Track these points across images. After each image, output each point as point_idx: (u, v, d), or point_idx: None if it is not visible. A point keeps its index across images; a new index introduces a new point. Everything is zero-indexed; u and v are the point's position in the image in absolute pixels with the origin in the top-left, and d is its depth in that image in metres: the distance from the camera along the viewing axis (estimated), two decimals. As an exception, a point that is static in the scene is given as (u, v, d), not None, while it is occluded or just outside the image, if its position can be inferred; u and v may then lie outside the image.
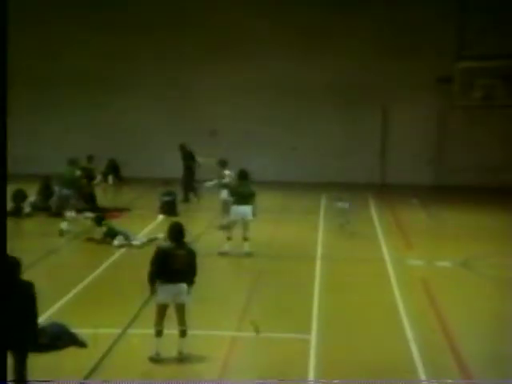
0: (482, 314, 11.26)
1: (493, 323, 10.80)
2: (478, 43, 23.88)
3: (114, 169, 24.85)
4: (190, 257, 8.98)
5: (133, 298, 11.24)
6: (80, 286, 12.11)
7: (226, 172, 17.27)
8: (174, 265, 8.84)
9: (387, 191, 23.53)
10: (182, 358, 8.90)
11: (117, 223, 16.19)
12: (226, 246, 14.44)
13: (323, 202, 21.18)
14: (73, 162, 17.86)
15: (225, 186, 16.56)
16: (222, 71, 25.07)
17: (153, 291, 8.96)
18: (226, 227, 14.80)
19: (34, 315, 7.41)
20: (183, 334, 8.97)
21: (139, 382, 7.62)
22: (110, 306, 11.08)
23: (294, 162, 25.21)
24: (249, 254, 14.35)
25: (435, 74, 24.40)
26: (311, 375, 8.55)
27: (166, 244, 9.13)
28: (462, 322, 10.70)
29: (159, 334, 8.91)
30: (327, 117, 25.19)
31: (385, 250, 15.20)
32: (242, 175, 14.77)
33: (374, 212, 19.93)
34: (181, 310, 8.95)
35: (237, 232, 14.54)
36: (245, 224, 14.43)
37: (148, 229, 17.14)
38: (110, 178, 24.49)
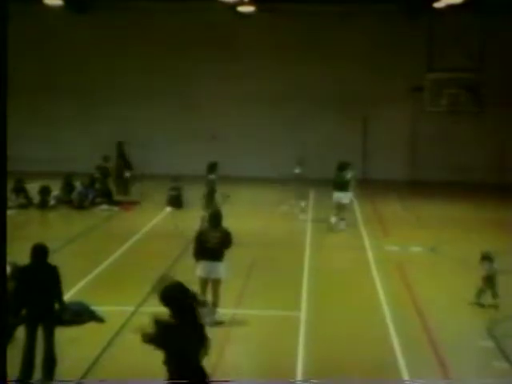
0: (449, 291, 11.36)
1: (457, 299, 10.89)
2: (445, 57, 24.03)
3: (127, 166, 24.65)
4: (224, 238, 9.13)
5: (145, 280, 11.27)
6: (98, 269, 12.13)
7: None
8: (207, 244, 9.06)
9: (368, 186, 23.51)
10: (217, 324, 9.01)
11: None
12: (333, 219, 15.67)
13: (311, 195, 21.18)
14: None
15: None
16: (222, 81, 25.05)
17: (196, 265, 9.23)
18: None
19: (59, 294, 7.44)
20: (214, 305, 9.13)
21: (139, 381, 7.49)
22: (124, 287, 11.09)
23: (288, 162, 25.16)
24: (343, 230, 15.48)
25: (409, 84, 24.54)
26: (301, 347, 8.59)
27: (204, 227, 9.41)
28: (430, 298, 10.78)
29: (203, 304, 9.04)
30: (317, 121, 25.23)
31: (365, 237, 15.24)
32: (339, 167, 15.88)
33: (356, 204, 19.94)
34: (215, 284, 9.11)
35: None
36: (340, 207, 15.55)
37: (157, 219, 17.14)
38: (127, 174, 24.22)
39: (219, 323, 9.06)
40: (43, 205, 18.22)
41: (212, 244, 9.09)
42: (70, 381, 7.35)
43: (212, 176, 16.15)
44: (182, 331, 5.23)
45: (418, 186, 23.61)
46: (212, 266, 9.06)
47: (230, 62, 24.90)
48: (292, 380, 7.63)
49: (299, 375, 7.76)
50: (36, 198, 18.43)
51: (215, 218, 9.32)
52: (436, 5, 20.43)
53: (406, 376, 7.72)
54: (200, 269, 9.13)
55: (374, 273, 12.27)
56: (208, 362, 7.98)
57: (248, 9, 22.20)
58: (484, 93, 24.26)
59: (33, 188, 18.69)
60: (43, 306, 7.31)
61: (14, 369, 6.91)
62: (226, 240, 9.17)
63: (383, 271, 12.32)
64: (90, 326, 9.09)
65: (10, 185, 17.88)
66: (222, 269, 9.12)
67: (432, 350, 8.56)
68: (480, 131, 24.67)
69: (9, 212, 17.49)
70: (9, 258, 7.59)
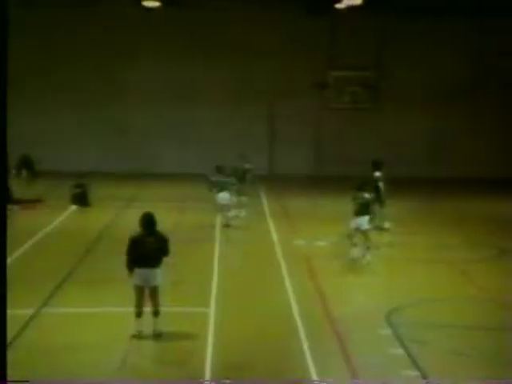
0: (351, 281, 11.76)
1: (358, 289, 11.26)
2: (346, 56, 24.82)
3: (26, 164, 23.75)
4: (161, 243, 8.71)
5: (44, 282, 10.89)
6: None
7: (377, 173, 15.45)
8: (144, 251, 8.60)
9: (274, 181, 23.78)
10: (157, 335, 8.61)
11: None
12: (355, 252, 12.63)
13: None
14: None
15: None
16: (131, 73, 24.71)
17: (130, 275, 8.70)
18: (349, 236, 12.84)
19: None
20: (155, 313, 8.71)
21: (140, 382, 7.36)
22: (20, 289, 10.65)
23: (196, 155, 25.14)
24: (368, 263, 12.47)
25: (313, 80, 25.14)
26: (209, 343, 8.56)
27: (137, 232, 8.78)
28: (333, 287, 11.15)
29: (139, 315, 8.65)
30: (225, 118, 25.36)
31: (274, 232, 15.41)
32: (359, 186, 12.90)
33: (264, 200, 20.15)
34: (152, 292, 8.69)
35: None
36: (362, 234, 12.69)
37: (61, 218, 16.58)
38: (24, 173, 23.35)
39: (159, 335, 8.65)
40: None
41: (149, 250, 8.61)
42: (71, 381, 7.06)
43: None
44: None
45: (322, 181, 24.17)
46: (149, 274, 8.61)
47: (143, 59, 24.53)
48: (290, 379, 7.56)
49: (207, 370, 7.72)
50: None
51: (149, 223, 8.76)
52: (338, 5, 21.02)
53: (311, 367, 7.86)
54: (137, 276, 8.64)
55: (282, 266, 12.44)
56: (113, 365, 7.84)
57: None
58: (382, 90, 25.33)
59: None
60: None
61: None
62: (163, 246, 8.73)
63: (290, 264, 12.52)
64: None
65: None
66: (159, 276, 8.72)
67: (336, 341, 8.77)
68: (377, 127, 25.62)
69: None
70: None
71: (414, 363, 8.04)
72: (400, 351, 8.40)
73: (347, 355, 8.31)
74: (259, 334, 9.01)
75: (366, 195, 12.84)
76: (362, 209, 12.67)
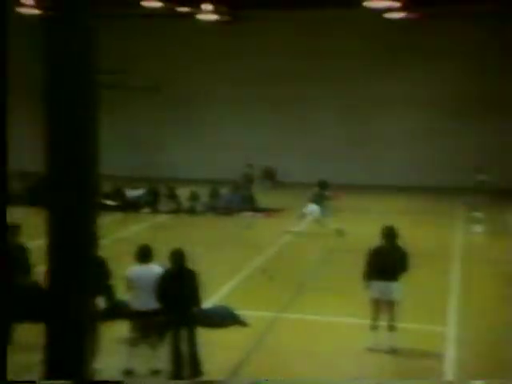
0: None
1: None
2: None
3: (269, 175, 25.08)
4: (401, 257, 8.55)
5: (286, 287, 11.22)
6: (241, 275, 12.28)
7: None
8: (384, 264, 8.49)
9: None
10: (392, 350, 8.41)
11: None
12: None
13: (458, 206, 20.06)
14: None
15: None
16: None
17: (366, 287, 8.64)
18: None
19: (198, 297, 7.56)
20: (391, 328, 8.54)
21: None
22: (265, 293, 11.11)
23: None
24: None
25: None
26: (448, 362, 8.07)
27: (379, 244, 8.72)
28: None
29: (375, 328, 8.60)
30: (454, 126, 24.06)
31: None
32: None
33: (504, 214, 18.63)
34: (389, 306, 8.55)
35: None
36: None
37: (299, 227, 17.06)
38: (267, 183, 24.64)
39: (394, 350, 8.41)
40: (192, 210, 18.92)
41: (388, 263, 8.43)
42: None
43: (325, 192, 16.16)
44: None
45: None
46: (387, 287, 8.44)
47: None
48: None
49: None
50: (185, 204, 19.16)
51: (391, 236, 8.57)
52: None
53: None
54: (374, 289, 8.52)
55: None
56: (347, 375, 7.76)
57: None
58: None
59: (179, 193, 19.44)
60: (183, 309, 7.46)
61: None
62: (403, 260, 8.49)
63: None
64: (234, 330, 9.17)
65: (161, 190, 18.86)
66: (397, 289, 8.50)
67: None
68: None
69: (160, 217, 18.37)
70: (159, 262, 7.94)
71: None
72: None
73: None
74: (499, 357, 8.27)
75: None
76: None
